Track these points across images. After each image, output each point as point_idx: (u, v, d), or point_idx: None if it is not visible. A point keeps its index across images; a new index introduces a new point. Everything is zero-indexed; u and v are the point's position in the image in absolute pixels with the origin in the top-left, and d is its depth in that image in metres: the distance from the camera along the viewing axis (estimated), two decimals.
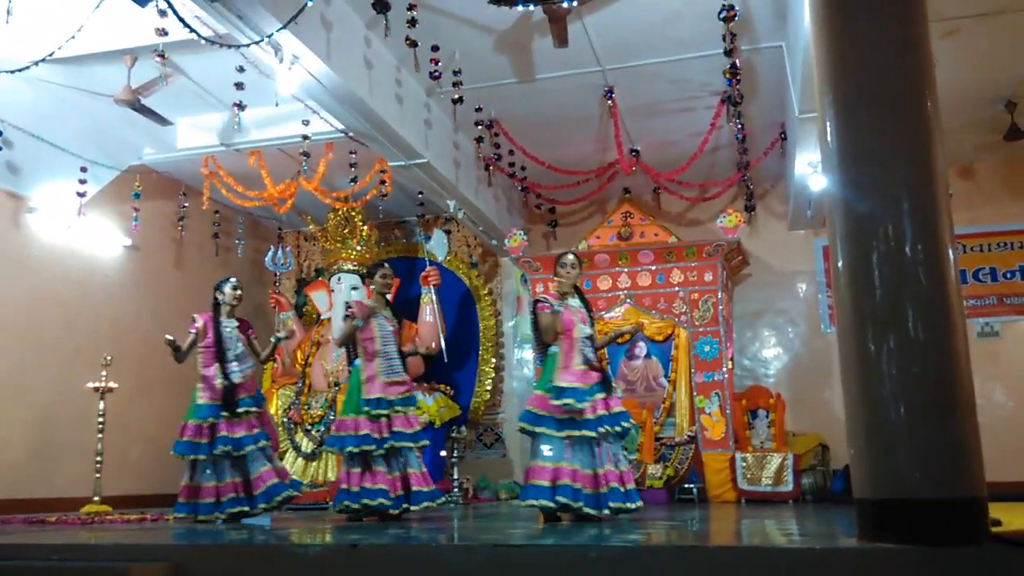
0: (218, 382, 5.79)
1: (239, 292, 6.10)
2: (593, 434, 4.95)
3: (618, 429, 5.06)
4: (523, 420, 5.11)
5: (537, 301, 5.37)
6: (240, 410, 5.81)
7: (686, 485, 7.99)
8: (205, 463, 5.72)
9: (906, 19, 3.21)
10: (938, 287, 2.96)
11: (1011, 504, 4.96)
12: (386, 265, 6.04)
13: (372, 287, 5.95)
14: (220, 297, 6.06)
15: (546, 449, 4.96)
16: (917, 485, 2.80)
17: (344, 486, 5.59)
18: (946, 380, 2.90)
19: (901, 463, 2.85)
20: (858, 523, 3.00)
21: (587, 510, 4.83)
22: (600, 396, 5.07)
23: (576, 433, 4.93)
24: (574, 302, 5.38)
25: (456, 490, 8.45)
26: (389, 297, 6.09)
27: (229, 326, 6.02)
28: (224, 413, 5.75)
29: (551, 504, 4.81)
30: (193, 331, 5.97)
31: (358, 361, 5.82)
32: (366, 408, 5.57)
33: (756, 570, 2.80)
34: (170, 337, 5.83)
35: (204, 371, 5.86)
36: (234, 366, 5.88)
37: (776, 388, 8.60)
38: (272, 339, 6.22)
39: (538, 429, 4.98)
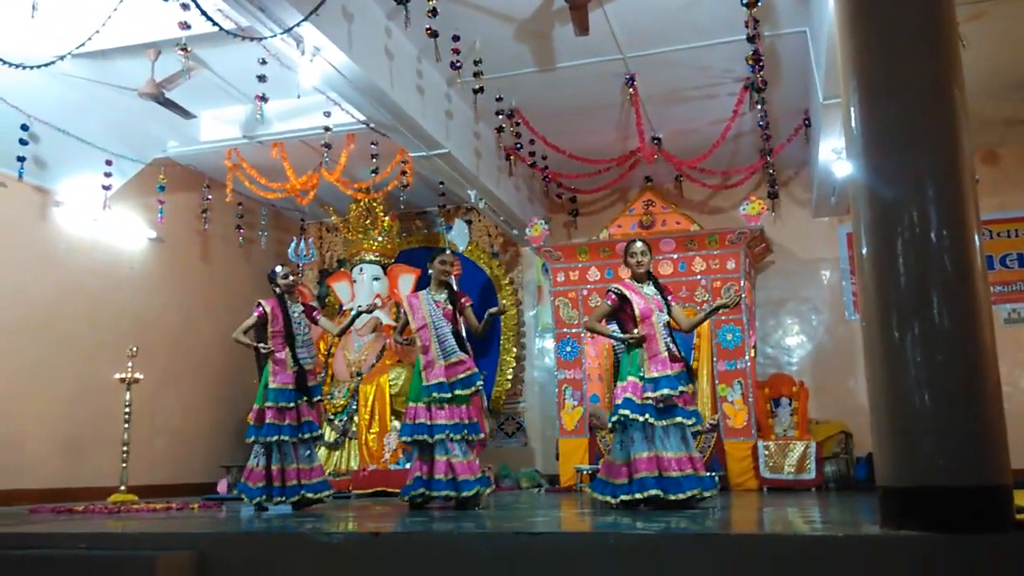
0: (290, 367, 5.76)
1: (290, 278, 6.02)
2: (688, 421, 4.97)
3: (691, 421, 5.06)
4: (626, 409, 4.98)
5: (608, 290, 5.34)
6: (316, 398, 5.88)
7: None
8: (285, 446, 5.69)
9: (932, 2, 3.17)
10: (963, 273, 2.93)
11: None
12: (446, 251, 5.98)
13: (431, 271, 5.84)
14: (276, 289, 6.02)
15: (641, 439, 4.93)
16: (941, 472, 2.77)
17: (418, 474, 5.49)
18: (971, 367, 2.87)
19: (925, 450, 2.82)
20: (881, 511, 2.98)
21: (677, 496, 4.77)
22: (686, 387, 5.06)
23: (675, 421, 4.93)
24: (649, 290, 5.31)
25: None
26: (452, 282, 6.01)
27: (296, 311, 5.97)
28: (304, 398, 5.75)
29: (659, 493, 4.76)
30: (256, 314, 5.92)
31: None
32: (428, 395, 5.46)
33: (778, 558, 2.79)
34: (264, 350, 5.82)
35: (276, 355, 5.80)
36: (303, 352, 5.86)
37: (799, 376, 8.55)
38: (353, 310, 6.10)
39: (642, 418, 4.92)
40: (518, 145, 8.10)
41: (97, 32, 5.69)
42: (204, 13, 5.07)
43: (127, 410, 7.54)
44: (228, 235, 9.57)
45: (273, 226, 10.16)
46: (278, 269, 6.09)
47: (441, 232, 9.63)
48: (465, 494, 5.29)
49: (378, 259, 9.39)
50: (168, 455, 8.67)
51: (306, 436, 5.75)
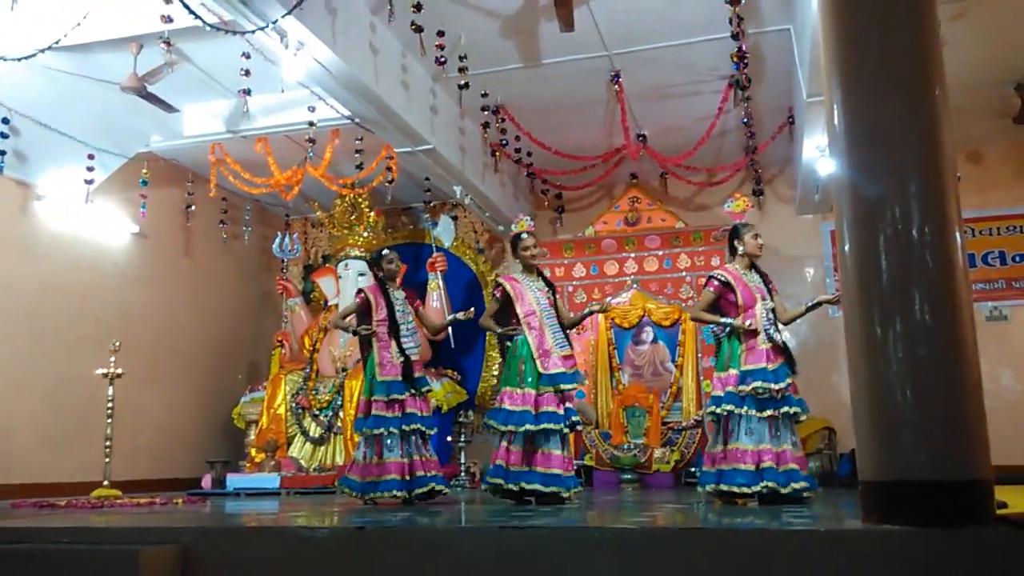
0: (396, 358, 5.51)
1: (395, 263, 5.75)
2: (793, 409, 4.89)
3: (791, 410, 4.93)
4: (728, 402, 4.92)
5: (710, 277, 5.26)
6: (424, 388, 5.60)
7: (692, 469, 8.00)
8: (392, 438, 5.41)
9: (914, 1, 3.19)
10: (945, 270, 2.96)
11: (1018, 487, 4.96)
12: (525, 235, 5.57)
13: (516, 258, 5.57)
14: (379, 274, 5.75)
15: (746, 431, 4.85)
16: (922, 467, 2.80)
17: (500, 461, 5.18)
18: (952, 363, 2.90)
19: (907, 445, 2.85)
20: (863, 505, 3.01)
21: (782, 490, 4.68)
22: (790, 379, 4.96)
23: (779, 412, 4.85)
24: (753, 277, 5.25)
25: (463, 474, 8.48)
26: (539, 266, 5.71)
27: (398, 298, 5.74)
28: (412, 390, 5.50)
29: (757, 488, 4.69)
30: (358, 300, 5.68)
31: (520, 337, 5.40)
32: (554, 384, 5.21)
33: (760, 552, 2.81)
34: (364, 331, 5.56)
35: (382, 345, 5.54)
36: (408, 341, 5.59)
37: None
38: (449, 316, 5.89)
39: (740, 410, 4.85)
40: (504, 141, 8.10)
41: (79, 25, 5.66)
42: (187, 7, 5.04)
43: (110, 405, 7.49)
44: (212, 230, 9.52)
45: (257, 221, 10.12)
46: (385, 252, 5.80)
47: (427, 228, 9.62)
48: (554, 489, 5.01)
49: (364, 255, 9.36)
50: (152, 450, 8.62)
51: (408, 428, 5.44)
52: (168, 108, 7.30)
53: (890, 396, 2.91)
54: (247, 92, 6.74)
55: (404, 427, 5.43)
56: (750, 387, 4.85)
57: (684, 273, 8.31)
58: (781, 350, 5.02)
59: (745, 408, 4.85)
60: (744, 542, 2.93)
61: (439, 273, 8.98)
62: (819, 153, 7.33)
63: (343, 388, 8.66)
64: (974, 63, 6.92)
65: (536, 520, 3.58)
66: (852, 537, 2.82)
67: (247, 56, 6.56)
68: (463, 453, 8.70)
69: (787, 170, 9.43)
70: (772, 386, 4.84)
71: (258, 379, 9.63)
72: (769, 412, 4.84)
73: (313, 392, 8.83)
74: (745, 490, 4.70)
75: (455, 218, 9.91)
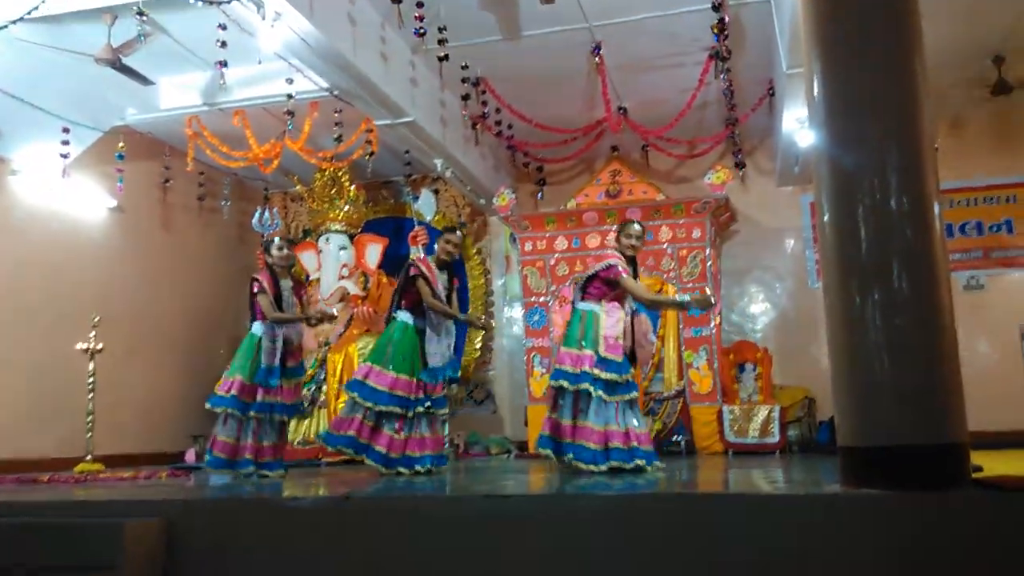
0: (278, 346, 5.60)
1: (285, 251, 5.83)
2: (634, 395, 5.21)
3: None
4: (584, 381, 5.10)
5: (609, 265, 5.34)
6: (294, 380, 5.78)
7: (674, 438, 8.09)
8: (249, 423, 5.58)
9: None
10: (923, 240, 2.99)
11: (993, 452, 5.07)
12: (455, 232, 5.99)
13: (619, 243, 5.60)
14: (269, 260, 5.84)
15: (595, 411, 5.04)
16: (900, 432, 2.86)
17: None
18: (930, 331, 2.94)
19: (885, 411, 2.90)
20: (842, 470, 3.06)
21: (627, 467, 4.92)
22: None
23: (627, 396, 5.13)
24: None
25: (448, 446, 8.52)
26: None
27: (286, 287, 5.81)
28: (284, 379, 5.65)
29: (603, 467, 4.89)
30: (256, 288, 5.73)
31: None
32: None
33: (741, 516, 2.86)
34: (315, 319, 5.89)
35: (266, 333, 5.65)
36: (289, 330, 5.74)
37: (763, 343, 8.67)
38: (312, 312, 6.04)
39: (596, 392, 5.05)
40: (484, 114, 8.06)
41: None
42: None
43: (91, 380, 7.45)
44: (190, 204, 9.44)
45: (236, 196, 10.03)
46: (276, 240, 5.89)
47: (408, 202, 9.58)
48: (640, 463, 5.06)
49: (344, 229, 9.32)
50: (134, 425, 8.58)
51: (260, 415, 5.60)
52: (143, 80, 7.20)
53: (868, 363, 2.95)
54: (224, 64, 6.63)
55: (261, 413, 5.56)
56: (607, 375, 5.05)
57: (665, 245, 8.33)
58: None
59: (598, 390, 5.03)
60: (727, 507, 2.97)
61: (421, 247, 8.96)
62: (799, 125, 7.34)
63: (326, 362, 8.65)
64: (952, 35, 6.94)
65: (520, 489, 3.61)
66: (831, 501, 2.87)
67: (223, 27, 6.44)
68: (447, 425, 8.73)
69: (767, 142, 9.45)
70: (626, 378, 5.12)
71: None
72: (617, 397, 5.08)
73: None
74: (592, 468, 4.89)
75: (436, 192, 9.87)
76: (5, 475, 6.52)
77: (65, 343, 7.57)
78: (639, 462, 4.94)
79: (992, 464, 3.47)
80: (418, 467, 5.44)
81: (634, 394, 5.21)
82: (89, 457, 7.32)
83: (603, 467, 4.90)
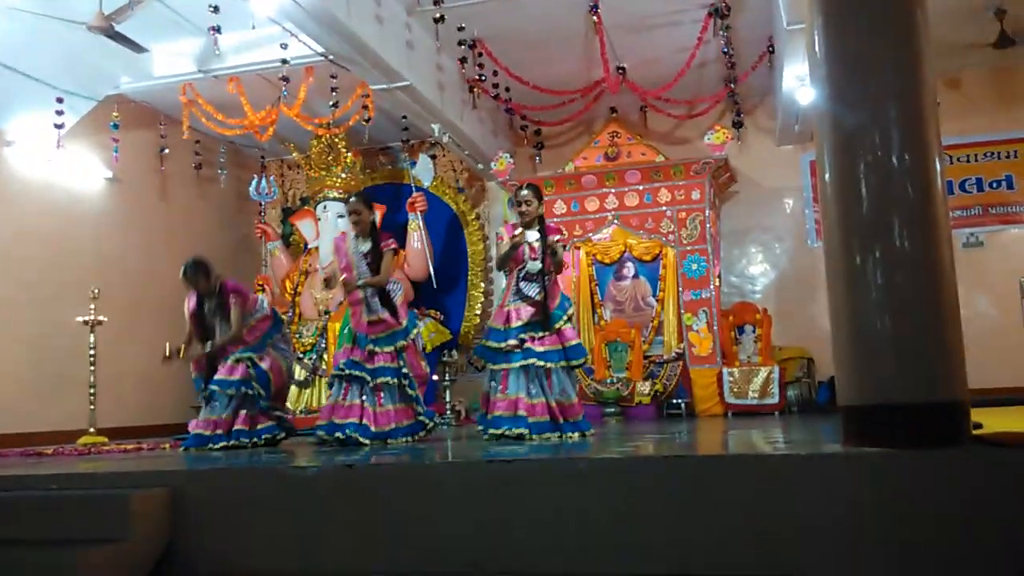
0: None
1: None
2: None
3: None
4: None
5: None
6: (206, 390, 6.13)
7: (674, 401, 8.13)
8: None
9: None
10: (924, 197, 2.97)
11: (993, 409, 5.08)
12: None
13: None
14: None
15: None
16: (900, 390, 2.85)
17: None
18: (930, 289, 2.93)
19: (885, 369, 2.90)
20: (843, 429, 3.07)
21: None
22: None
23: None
24: (531, 235, 5.15)
25: (449, 412, 8.56)
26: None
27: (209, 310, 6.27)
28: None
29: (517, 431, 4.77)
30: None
31: None
32: None
33: (743, 476, 2.87)
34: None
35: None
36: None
37: (763, 304, 8.68)
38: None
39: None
40: (481, 76, 7.98)
41: None
42: None
43: (92, 352, 7.46)
44: (186, 173, 9.38)
45: (232, 164, 9.97)
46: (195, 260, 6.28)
47: (405, 167, 9.51)
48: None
49: (342, 196, 9.27)
50: (136, 396, 8.61)
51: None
52: (137, 48, 7.11)
53: (869, 321, 2.95)
54: (217, 30, 6.58)
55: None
56: (490, 344, 5.15)
57: (665, 208, 8.29)
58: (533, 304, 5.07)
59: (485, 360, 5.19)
60: (727, 467, 2.98)
61: (419, 213, 8.92)
62: (799, 82, 7.28)
63: (326, 331, 8.66)
64: None
65: (524, 453, 3.63)
66: (832, 460, 2.88)
67: None
68: (448, 392, 8.77)
69: (767, 101, 9.38)
70: (510, 345, 5.00)
71: None
72: (501, 365, 5.04)
73: (296, 336, 8.82)
74: (484, 435, 4.90)
75: (434, 157, 9.81)
76: (10, 449, 6.55)
77: (65, 316, 7.57)
78: (521, 430, 4.74)
79: (992, 421, 3.47)
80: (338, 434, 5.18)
81: (524, 361, 4.95)
82: (92, 429, 7.35)
83: (485, 435, 4.90)
